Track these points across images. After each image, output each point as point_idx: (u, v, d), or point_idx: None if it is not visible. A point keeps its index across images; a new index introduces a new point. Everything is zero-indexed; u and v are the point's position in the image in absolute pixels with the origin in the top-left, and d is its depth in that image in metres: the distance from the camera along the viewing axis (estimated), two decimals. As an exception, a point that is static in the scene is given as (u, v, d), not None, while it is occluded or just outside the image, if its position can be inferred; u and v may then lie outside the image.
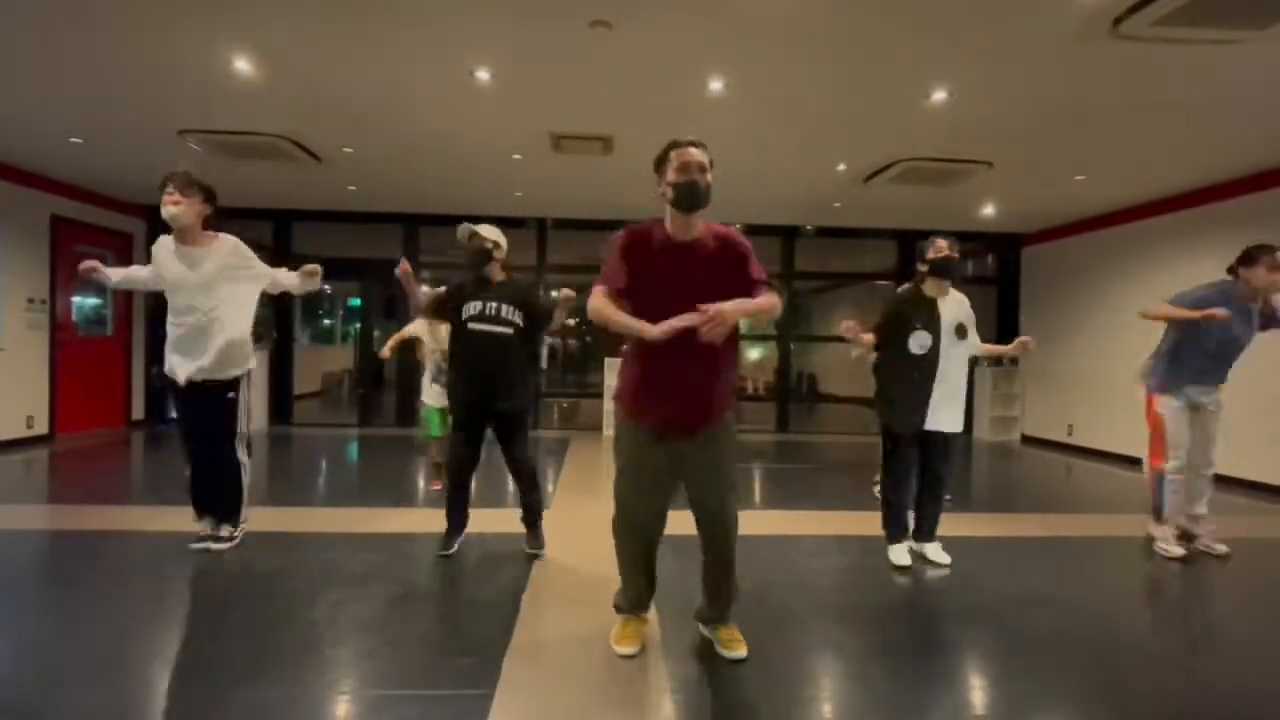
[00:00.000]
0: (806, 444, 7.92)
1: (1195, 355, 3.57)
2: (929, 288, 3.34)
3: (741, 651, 2.32)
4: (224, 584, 2.98)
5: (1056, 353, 7.93)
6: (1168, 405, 3.64)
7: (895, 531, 3.41)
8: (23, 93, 4.46)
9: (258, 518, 3.76)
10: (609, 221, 8.42)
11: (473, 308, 3.28)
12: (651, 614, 2.68)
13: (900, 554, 3.36)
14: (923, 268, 3.34)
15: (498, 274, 3.36)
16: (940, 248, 3.27)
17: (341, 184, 6.78)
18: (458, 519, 3.43)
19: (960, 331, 3.34)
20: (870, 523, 3.62)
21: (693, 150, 2.19)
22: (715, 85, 4.15)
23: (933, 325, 3.28)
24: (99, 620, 2.59)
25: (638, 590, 2.45)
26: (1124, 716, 2.08)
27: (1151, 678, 2.42)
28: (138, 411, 7.94)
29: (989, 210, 7.30)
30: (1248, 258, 3.47)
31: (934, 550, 3.42)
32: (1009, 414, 8.59)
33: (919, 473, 3.40)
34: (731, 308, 1.98)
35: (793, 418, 9.12)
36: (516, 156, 5.70)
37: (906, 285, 3.46)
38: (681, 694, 2.09)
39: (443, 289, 3.39)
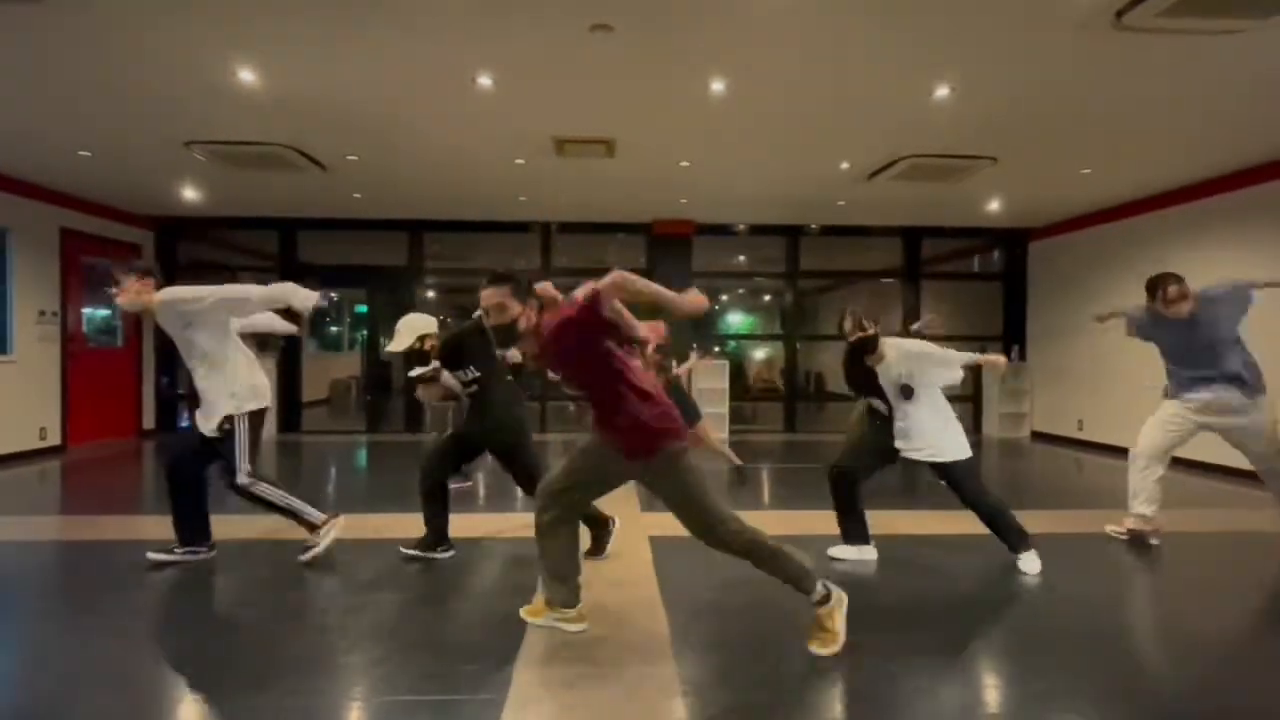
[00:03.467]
0: (814, 443, 7.90)
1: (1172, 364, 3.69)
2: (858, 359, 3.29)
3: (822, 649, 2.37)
4: (235, 591, 3.00)
5: (1065, 348, 7.88)
6: (1164, 408, 3.73)
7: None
8: (32, 107, 4.51)
9: (266, 525, 3.77)
10: (612, 224, 8.44)
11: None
12: (660, 614, 2.68)
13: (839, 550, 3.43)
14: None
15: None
16: (848, 330, 3.21)
17: (346, 192, 6.82)
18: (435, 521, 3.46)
19: (905, 392, 3.24)
20: (880, 522, 3.61)
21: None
22: (717, 86, 4.14)
23: (876, 390, 3.31)
24: (112, 628, 2.61)
25: None
26: (1140, 714, 2.06)
27: (1168, 674, 2.41)
28: (148, 421, 7.98)
29: (994, 205, 7.26)
30: (1149, 289, 3.61)
31: (1023, 561, 3.28)
32: (1018, 410, 8.54)
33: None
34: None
35: (800, 417, 9.10)
36: (520, 161, 5.72)
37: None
38: (693, 696, 2.09)
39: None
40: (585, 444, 2.46)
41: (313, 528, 3.32)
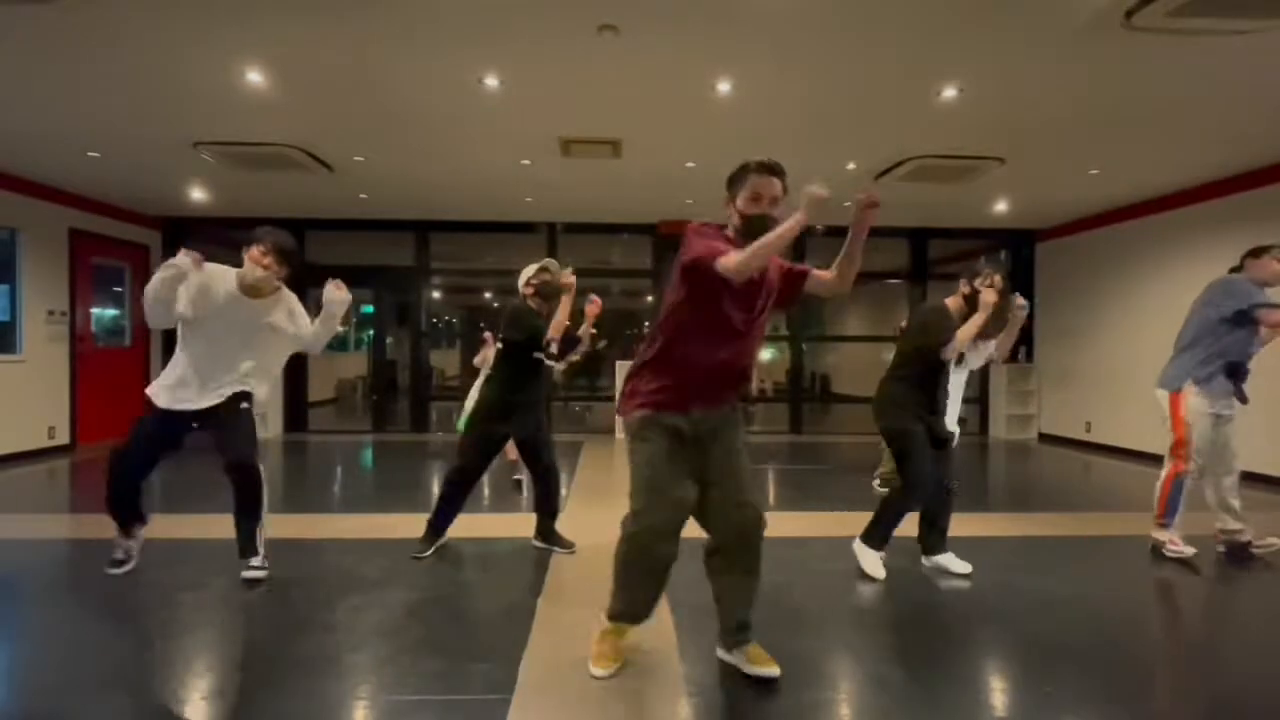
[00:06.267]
0: (819, 445, 7.88)
1: (1234, 356, 3.48)
2: (955, 306, 3.25)
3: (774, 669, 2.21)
4: (241, 591, 3.01)
5: (1073, 349, 7.84)
6: (1198, 409, 3.51)
7: (886, 538, 3.26)
8: (41, 108, 4.54)
9: (274, 524, 3.78)
10: (618, 225, 8.44)
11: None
12: (666, 614, 2.67)
13: (878, 564, 3.24)
14: (965, 290, 3.22)
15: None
16: (997, 283, 3.17)
17: (353, 192, 6.85)
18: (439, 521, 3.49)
19: (959, 360, 3.40)
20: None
21: (774, 180, 2.20)
22: (723, 87, 4.14)
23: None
24: (119, 628, 2.62)
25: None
26: (1146, 718, 2.05)
27: (1173, 679, 2.39)
28: (156, 420, 8.03)
29: (1002, 206, 7.24)
30: (1257, 250, 3.53)
31: (949, 560, 3.29)
32: (1025, 412, 8.50)
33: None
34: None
35: (805, 419, 9.08)
36: (526, 162, 5.72)
37: (935, 304, 3.36)
38: (699, 696, 2.09)
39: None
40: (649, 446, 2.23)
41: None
